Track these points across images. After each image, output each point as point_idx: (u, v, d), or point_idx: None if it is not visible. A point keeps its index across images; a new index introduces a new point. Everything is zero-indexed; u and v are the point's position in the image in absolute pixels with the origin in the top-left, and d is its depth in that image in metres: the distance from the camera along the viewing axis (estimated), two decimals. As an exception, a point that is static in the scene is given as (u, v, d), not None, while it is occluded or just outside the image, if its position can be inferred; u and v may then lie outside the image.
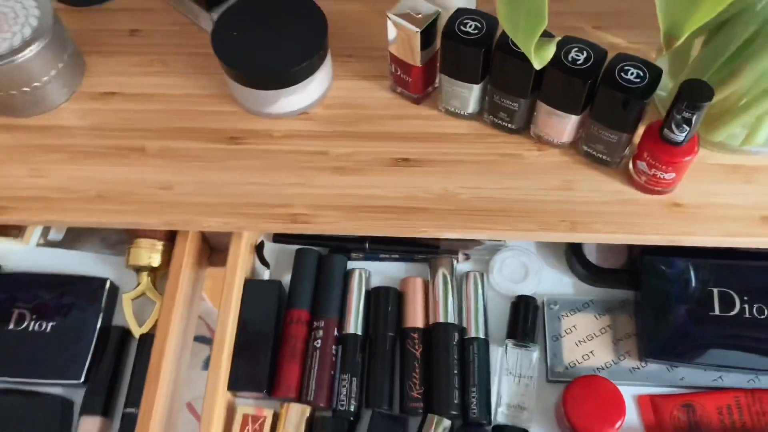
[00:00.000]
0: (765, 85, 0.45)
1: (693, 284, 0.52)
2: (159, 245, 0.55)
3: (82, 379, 0.53)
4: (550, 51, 0.37)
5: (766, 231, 0.48)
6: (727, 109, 0.49)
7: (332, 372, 0.53)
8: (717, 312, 0.50)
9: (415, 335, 0.53)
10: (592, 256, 0.55)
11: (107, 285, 0.55)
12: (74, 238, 0.58)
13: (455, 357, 0.52)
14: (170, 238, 0.55)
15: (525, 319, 0.53)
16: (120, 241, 0.58)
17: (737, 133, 0.50)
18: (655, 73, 0.44)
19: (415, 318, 0.54)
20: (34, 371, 0.53)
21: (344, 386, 0.52)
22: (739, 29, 0.43)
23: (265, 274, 0.57)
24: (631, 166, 0.50)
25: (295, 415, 0.51)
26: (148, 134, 0.54)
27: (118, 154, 0.53)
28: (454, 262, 0.56)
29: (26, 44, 0.51)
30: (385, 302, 0.54)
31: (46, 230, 0.59)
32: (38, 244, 0.59)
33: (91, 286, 0.55)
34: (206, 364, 0.57)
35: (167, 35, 0.60)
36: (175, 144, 0.53)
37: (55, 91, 0.55)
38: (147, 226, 0.52)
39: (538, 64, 0.36)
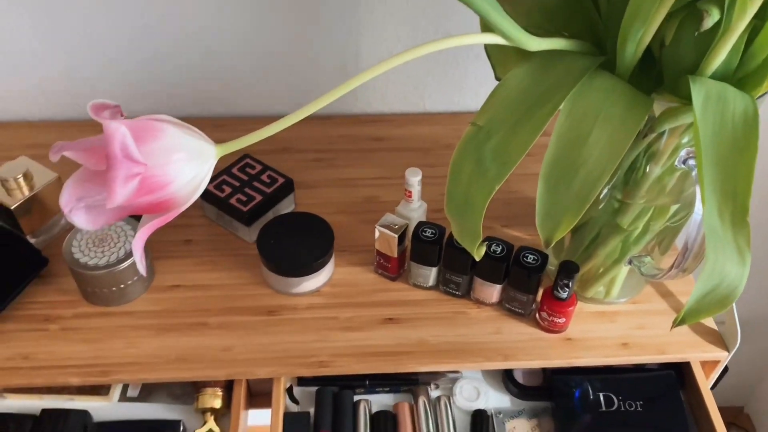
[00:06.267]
0: (610, 261, 0.74)
1: (585, 391, 0.76)
2: (219, 392, 0.75)
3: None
4: (483, 250, 0.64)
5: (626, 353, 0.74)
6: (591, 275, 0.77)
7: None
8: (603, 408, 0.75)
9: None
10: (520, 378, 0.80)
11: (181, 425, 0.73)
12: (147, 393, 0.77)
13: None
14: (227, 387, 0.76)
15: (481, 426, 0.75)
16: (183, 393, 0.77)
17: (601, 290, 0.78)
18: (545, 256, 0.72)
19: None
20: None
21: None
22: (588, 231, 0.72)
23: (295, 409, 0.78)
24: (537, 315, 0.76)
25: None
26: (208, 313, 0.76)
27: (188, 329, 0.74)
28: (429, 390, 0.79)
29: (125, 258, 0.73)
30: (384, 422, 0.76)
31: (125, 389, 0.78)
32: (119, 400, 0.77)
33: (169, 427, 0.73)
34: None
35: (213, 243, 0.84)
36: (228, 319, 0.76)
37: (137, 287, 0.76)
38: (215, 377, 0.73)
39: (478, 258, 0.62)
